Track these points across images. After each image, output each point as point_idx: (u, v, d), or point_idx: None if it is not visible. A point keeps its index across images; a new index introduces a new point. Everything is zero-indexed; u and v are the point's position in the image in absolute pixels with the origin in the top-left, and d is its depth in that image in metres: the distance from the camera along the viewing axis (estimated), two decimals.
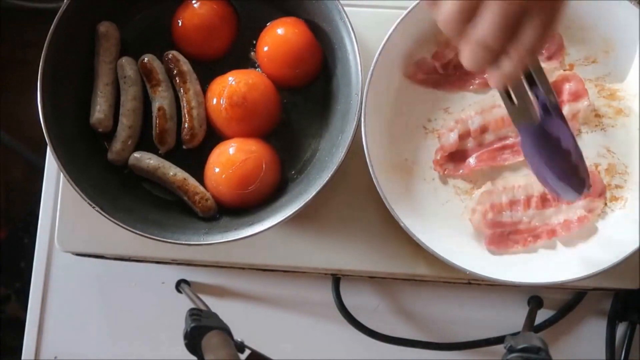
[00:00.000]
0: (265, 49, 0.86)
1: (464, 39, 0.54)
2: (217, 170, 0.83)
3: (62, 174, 0.79)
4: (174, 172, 0.84)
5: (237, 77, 0.84)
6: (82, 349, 0.98)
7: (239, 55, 0.89)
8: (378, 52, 0.82)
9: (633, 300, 0.91)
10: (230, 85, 0.83)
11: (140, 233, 0.79)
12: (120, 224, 0.78)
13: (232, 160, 0.82)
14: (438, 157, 0.86)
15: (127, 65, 0.86)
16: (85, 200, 0.78)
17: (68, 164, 0.80)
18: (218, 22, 0.87)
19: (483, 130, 0.86)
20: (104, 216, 0.78)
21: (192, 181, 0.83)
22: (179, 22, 0.87)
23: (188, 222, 0.84)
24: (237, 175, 0.82)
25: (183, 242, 0.79)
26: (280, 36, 0.86)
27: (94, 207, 0.78)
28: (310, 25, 0.86)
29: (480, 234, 0.85)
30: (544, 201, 0.84)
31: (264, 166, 0.82)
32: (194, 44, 0.87)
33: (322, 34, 0.86)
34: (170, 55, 0.86)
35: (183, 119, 0.85)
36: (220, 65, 0.88)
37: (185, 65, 0.86)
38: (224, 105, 0.83)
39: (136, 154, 0.84)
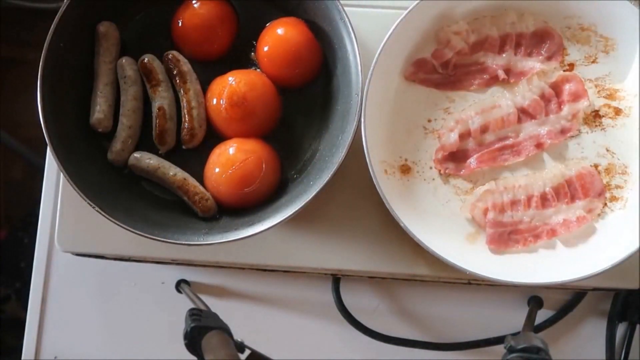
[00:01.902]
0: (265, 49, 0.86)
1: None
2: (217, 170, 0.83)
3: (62, 174, 0.79)
4: (174, 172, 0.84)
5: (237, 77, 0.84)
6: (82, 349, 0.98)
7: (239, 55, 0.89)
8: (378, 53, 0.81)
9: (633, 300, 0.91)
10: (230, 85, 0.83)
11: (140, 233, 0.78)
12: (120, 224, 0.78)
13: (232, 160, 0.82)
14: (439, 157, 0.86)
15: (127, 65, 0.86)
16: (86, 201, 0.78)
17: (68, 164, 0.80)
18: (218, 22, 0.87)
19: (483, 130, 0.86)
20: (104, 216, 0.78)
21: (192, 181, 0.83)
22: (179, 22, 0.87)
23: (188, 222, 0.84)
24: (237, 176, 0.82)
25: (183, 242, 0.79)
26: (280, 36, 0.86)
27: (93, 207, 0.78)
28: (310, 25, 0.86)
29: (480, 234, 0.85)
30: (544, 201, 0.84)
31: (263, 166, 0.82)
32: (193, 43, 0.87)
33: (322, 34, 0.86)
34: (170, 56, 0.86)
35: (183, 119, 0.85)
36: (220, 65, 0.88)
37: (186, 66, 0.86)
38: (224, 105, 0.83)
39: (136, 154, 0.84)
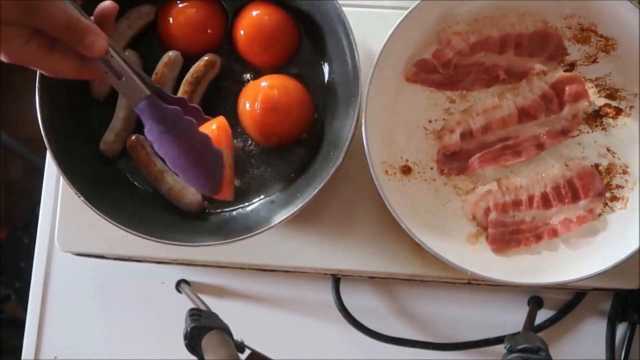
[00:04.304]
0: (242, 32, 0.87)
1: None
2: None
3: (62, 177, 0.79)
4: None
5: (271, 82, 0.84)
6: (82, 349, 0.98)
7: (232, 50, 0.89)
8: (379, 53, 0.81)
9: (633, 300, 0.91)
10: (264, 90, 0.83)
11: (140, 234, 0.78)
12: (118, 224, 0.78)
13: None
14: (441, 157, 0.86)
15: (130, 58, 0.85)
16: (93, 209, 0.78)
17: (70, 172, 0.80)
18: (207, 20, 0.87)
19: (484, 130, 0.86)
20: (108, 221, 0.78)
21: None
22: (169, 20, 0.87)
23: (188, 223, 0.84)
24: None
25: (183, 243, 0.79)
26: (254, 18, 0.86)
27: (96, 213, 0.78)
28: (307, 21, 0.87)
29: (481, 235, 0.85)
30: (545, 201, 0.84)
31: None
32: (183, 41, 0.87)
33: (318, 29, 0.86)
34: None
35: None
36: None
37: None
38: (258, 110, 0.83)
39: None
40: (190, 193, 0.84)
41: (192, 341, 0.71)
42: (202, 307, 0.81)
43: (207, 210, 0.85)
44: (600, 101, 0.87)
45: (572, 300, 0.94)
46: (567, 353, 0.94)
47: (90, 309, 0.99)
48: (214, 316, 0.77)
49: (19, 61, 0.63)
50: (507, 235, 0.84)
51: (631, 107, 0.87)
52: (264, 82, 0.84)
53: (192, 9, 0.86)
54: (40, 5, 0.59)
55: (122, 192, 0.85)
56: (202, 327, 0.72)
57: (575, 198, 0.84)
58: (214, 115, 0.79)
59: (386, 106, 0.86)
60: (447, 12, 0.86)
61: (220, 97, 0.88)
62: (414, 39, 0.86)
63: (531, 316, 0.90)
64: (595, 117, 0.87)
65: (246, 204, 0.86)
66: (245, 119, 0.85)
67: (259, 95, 0.83)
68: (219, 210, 0.86)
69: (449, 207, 0.86)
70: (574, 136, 0.87)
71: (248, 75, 0.89)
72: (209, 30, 0.88)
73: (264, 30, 0.86)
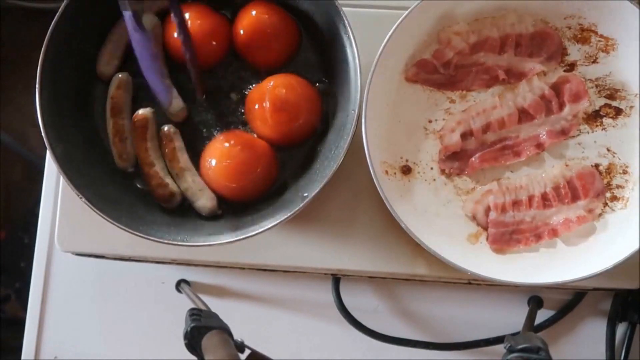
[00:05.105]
0: (241, 32, 0.86)
1: None
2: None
3: (62, 177, 0.79)
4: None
5: (277, 82, 0.84)
6: (82, 349, 0.98)
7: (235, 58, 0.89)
8: (379, 54, 0.81)
9: (633, 300, 0.91)
10: (272, 90, 0.83)
11: (140, 234, 0.78)
12: (118, 224, 0.78)
13: (227, 152, 0.83)
14: (443, 157, 0.86)
15: None
16: (93, 209, 0.78)
17: (70, 172, 0.79)
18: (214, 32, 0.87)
19: (484, 130, 0.86)
20: (108, 221, 0.78)
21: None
22: (174, 33, 0.86)
23: (189, 223, 0.84)
24: (232, 167, 0.82)
25: (183, 243, 0.79)
26: (254, 17, 0.86)
27: (96, 212, 0.78)
28: (307, 21, 0.87)
29: (481, 235, 0.85)
30: (545, 201, 0.84)
31: (259, 159, 0.83)
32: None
33: (318, 29, 0.86)
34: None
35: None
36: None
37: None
38: (268, 111, 0.83)
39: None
40: (205, 196, 0.84)
41: (192, 341, 0.71)
42: (202, 307, 0.81)
43: (220, 213, 0.85)
44: (600, 101, 0.87)
45: (572, 300, 0.94)
46: (567, 353, 0.95)
47: (90, 309, 0.99)
48: (214, 316, 0.77)
49: None
50: (507, 235, 0.84)
51: (631, 107, 0.87)
52: (269, 83, 0.84)
53: (197, 21, 0.86)
54: None
55: (123, 192, 0.85)
56: (202, 327, 0.72)
57: (575, 198, 0.84)
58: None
59: (386, 106, 0.86)
60: (447, 12, 0.86)
61: (225, 105, 0.88)
62: (414, 39, 0.87)
63: (531, 316, 0.90)
64: (595, 117, 0.87)
65: (247, 204, 0.86)
66: (255, 122, 0.85)
67: (267, 96, 0.83)
68: (220, 211, 0.86)
69: (449, 207, 0.86)
70: (574, 136, 0.87)
71: (253, 84, 0.89)
72: (213, 42, 0.87)
73: (263, 30, 0.86)
